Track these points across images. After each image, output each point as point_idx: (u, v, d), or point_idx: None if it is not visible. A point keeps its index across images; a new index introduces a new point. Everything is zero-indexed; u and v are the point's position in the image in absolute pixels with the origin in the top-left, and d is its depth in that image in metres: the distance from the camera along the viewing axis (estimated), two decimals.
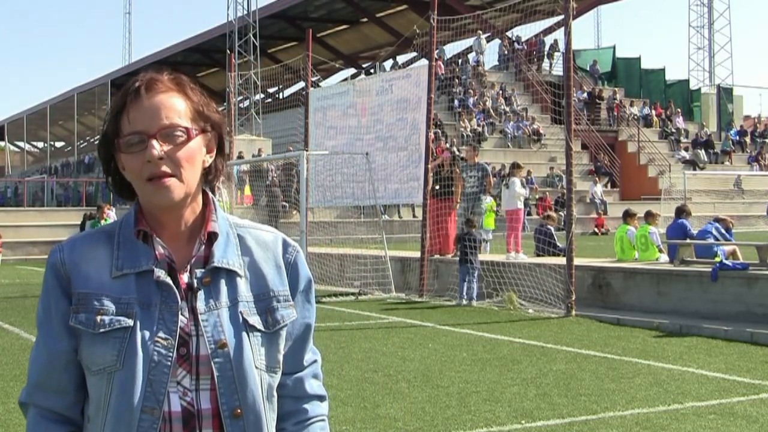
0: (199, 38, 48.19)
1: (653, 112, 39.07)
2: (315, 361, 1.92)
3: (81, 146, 60.80)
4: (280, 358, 1.81)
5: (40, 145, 68.43)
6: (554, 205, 27.62)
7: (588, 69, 40.03)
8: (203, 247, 1.78)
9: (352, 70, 49.30)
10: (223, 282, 1.76)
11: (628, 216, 14.79)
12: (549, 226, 15.88)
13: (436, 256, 15.38)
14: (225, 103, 29.07)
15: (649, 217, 14.38)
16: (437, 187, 15.26)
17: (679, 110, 40.51)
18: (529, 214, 24.88)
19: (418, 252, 15.31)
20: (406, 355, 9.26)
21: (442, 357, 9.17)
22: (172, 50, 50.92)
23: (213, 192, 1.88)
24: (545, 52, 38.05)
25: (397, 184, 16.53)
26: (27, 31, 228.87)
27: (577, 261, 12.70)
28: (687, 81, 47.58)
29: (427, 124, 15.46)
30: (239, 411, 1.71)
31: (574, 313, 12.10)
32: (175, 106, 1.75)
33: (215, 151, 1.82)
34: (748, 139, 41.44)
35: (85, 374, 1.75)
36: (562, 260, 12.93)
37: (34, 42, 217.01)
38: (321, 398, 1.90)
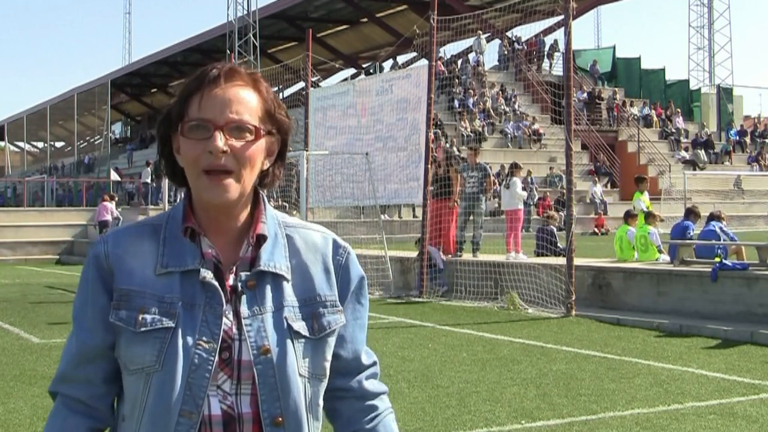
0: (199, 38, 48.17)
1: (653, 112, 39.04)
2: (375, 362, 1.87)
3: (81, 146, 60.79)
4: (327, 365, 1.75)
5: (40, 145, 68.36)
6: (554, 204, 27.62)
7: (588, 69, 39.99)
8: (251, 248, 1.72)
9: (352, 70, 49.26)
10: (268, 286, 1.70)
11: (629, 217, 14.84)
12: (551, 226, 15.95)
13: None
14: None
15: (649, 217, 14.43)
16: (431, 188, 15.16)
17: (679, 110, 40.48)
18: (528, 213, 24.88)
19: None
20: (406, 355, 9.26)
21: (442, 357, 9.17)
22: (172, 50, 50.88)
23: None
24: (545, 52, 38.00)
25: (397, 184, 16.52)
26: (27, 31, 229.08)
27: (577, 261, 12.70)
28: (687, 81, 47.60)
29: (427, 124, 15.45)
30: (280, 419, 1.66)
31: (574, 313, 12.09)
32: (249, 102, 1.69)
33: (275, 156, 1.76)
34: (748, 139, 41.44)
35: (115, 370, 1.70)
36: (562, 260, 12.92)
37: (34, 42, 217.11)
38: (385, 393, 1.87)
